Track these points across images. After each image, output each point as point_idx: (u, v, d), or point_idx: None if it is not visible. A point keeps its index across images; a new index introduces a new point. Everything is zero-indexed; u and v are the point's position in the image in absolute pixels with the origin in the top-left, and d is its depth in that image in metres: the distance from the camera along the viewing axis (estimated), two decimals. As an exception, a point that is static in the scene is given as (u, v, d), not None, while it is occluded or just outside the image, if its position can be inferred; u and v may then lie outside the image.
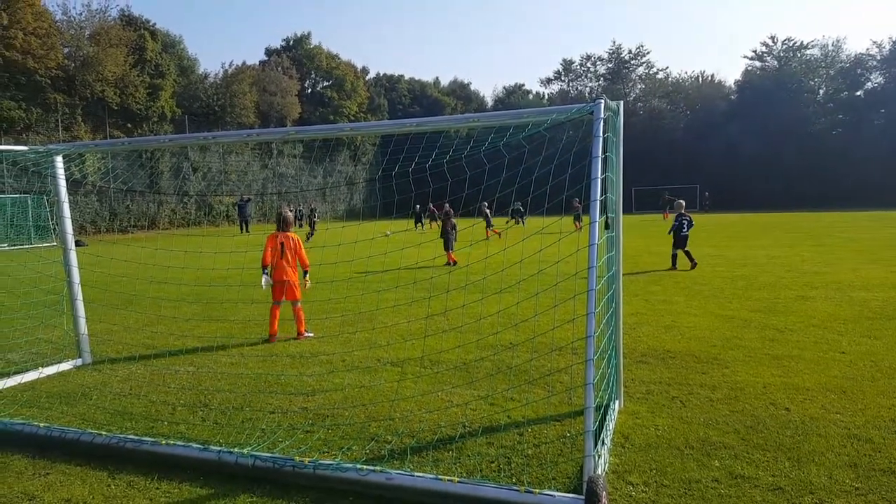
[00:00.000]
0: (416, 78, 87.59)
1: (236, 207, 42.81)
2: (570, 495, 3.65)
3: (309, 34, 71.76)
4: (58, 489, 4.23)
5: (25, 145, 7.74)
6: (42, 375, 7.06)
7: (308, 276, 8.85)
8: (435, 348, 7.51)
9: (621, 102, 5.12)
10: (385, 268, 15.99)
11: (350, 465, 4.12)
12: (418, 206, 31.48)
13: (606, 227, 4.84)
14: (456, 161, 5.86)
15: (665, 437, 4.80)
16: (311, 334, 8.72)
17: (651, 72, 75.72)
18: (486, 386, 6.11)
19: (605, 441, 4.47)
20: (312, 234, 29.25)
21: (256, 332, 8.99)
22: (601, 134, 4.21)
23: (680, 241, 15.02)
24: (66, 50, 42.94)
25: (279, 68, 63.84)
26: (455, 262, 16.60)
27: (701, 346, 7.45)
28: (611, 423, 4.88)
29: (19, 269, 14.41)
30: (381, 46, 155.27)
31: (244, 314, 10.28)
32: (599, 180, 4.05)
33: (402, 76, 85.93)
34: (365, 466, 4.11)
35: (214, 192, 51.73)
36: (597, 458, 3.86)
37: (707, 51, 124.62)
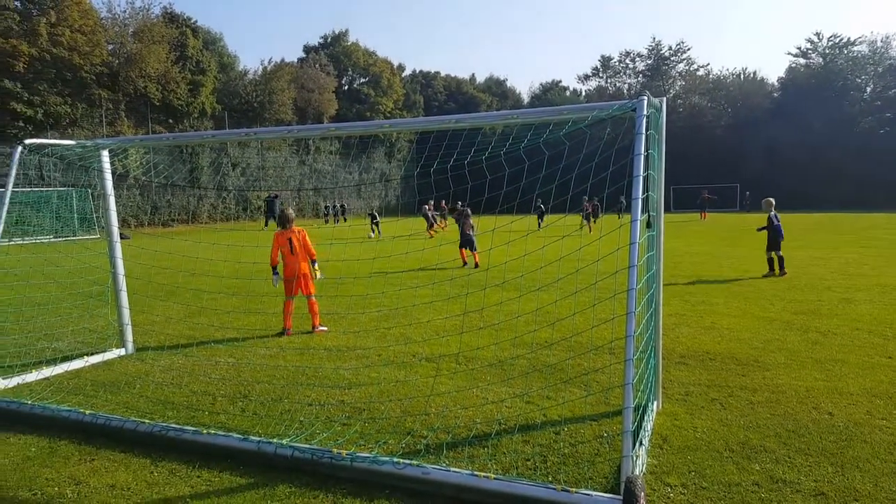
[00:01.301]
0: (452, 75, 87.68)
1: (265, 203, 43.14)
2: (608, 495, 3.63)
3: (346, 31, 72.45)
4: (103, 475, 4.36)
5: (72, 140, 7.97)
6: (87, 364, 7.28)
7: (317, 265, 8.96)
8: (470, 345, 7.52)
9: (664, 99, 5.05)
10: (422, 265, 16.05)
11: (387, 459, 4.16)
12: (426, 206, 29.37)
13: (648, 225, 4.78)
14: (494, 158, 5.84)
15: (704, 440, 4.73)
16: (325, 328, 8.84)
17: (691, 68, 74.33)
18: (521, 384, 6.10)
19: (643, 442, 4.42)
20: (376, 232, 29.40)
21: (294, 326, 9.11)
22: (644, 131, 4.16)
23: (775, 242, 13.21)
24: (110, 47, 44.09)
25: (317, 65, 64.52)
26: (466, 264, 16.05)
27: (741, 348, 7.31)
28: (649, 424, 4.82)
29: (65, 260, 14.86)
30: (417, 43, 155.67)
31: (282, 307, 10.42)
32: (642, 178, 4.00)
33: (437, 73, 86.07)
34: (401, 460, 4.14)
35: (252, 188, 52.57)
36: (635, 458, 3.82)
37: (750, 47, 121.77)
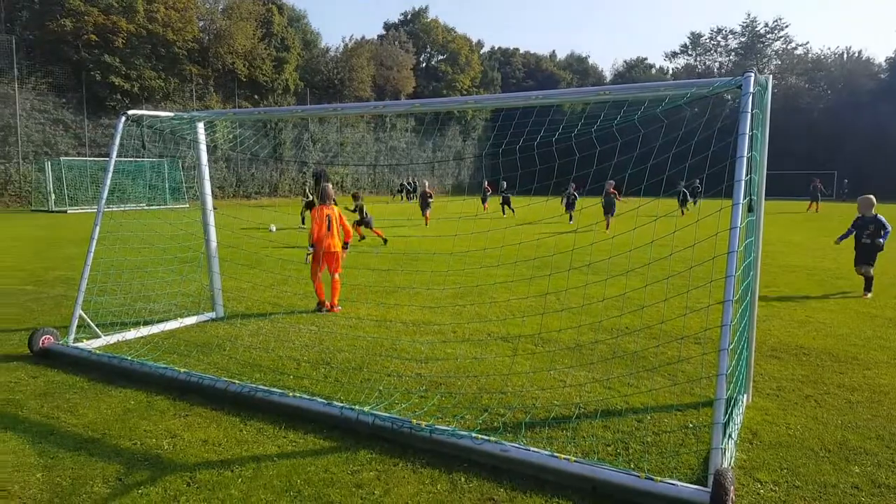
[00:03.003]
0: (532, 52, 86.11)
1: (313, 178, 43.17)
2: (694, 486, 3.51)
3: (426, 8, 72.27)
4: (196, 430, 4.58)
5: (169, 112, 8.33)
6: (182, 325, 7.67)
7: (348, 248, 8.91)
8: (549, 327, 7.44)
9: (769, 77, 4.77)
10: (503, 243, 15.99)
11: (465, 433, 4.17)
12: (406, 182, 26.83)
13: (749, 209, 4.55)
14: (580, 137, 5.69)
15: (797, 437, 4.51)
16: (340, 308, 8.64)
17: (789, 47, 70.11)
18: (602, 369, 5.98)
19: (732, 435, 4.25)
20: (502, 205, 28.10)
21: (372, 298, 9.28)
22: (749, 109, 3.94)
23: (861, 252, 9.79)
24: (201, 23, 45.75)
25: (396, 42, 64.83)
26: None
27: (839, 344, 6.91)
28: (738, 418, 4.64)
29: (160, 227, 15.67)
30: (497, 20, 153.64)
31: (361, 280, 10.64)
32: (745, 159, 3.79)
33: (517, 49, 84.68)
34: (480, 436, 4.14)
35: (330, 163, 53.70)
36: (724, 451, 3.68)
37: (854, 24, 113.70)
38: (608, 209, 20.27)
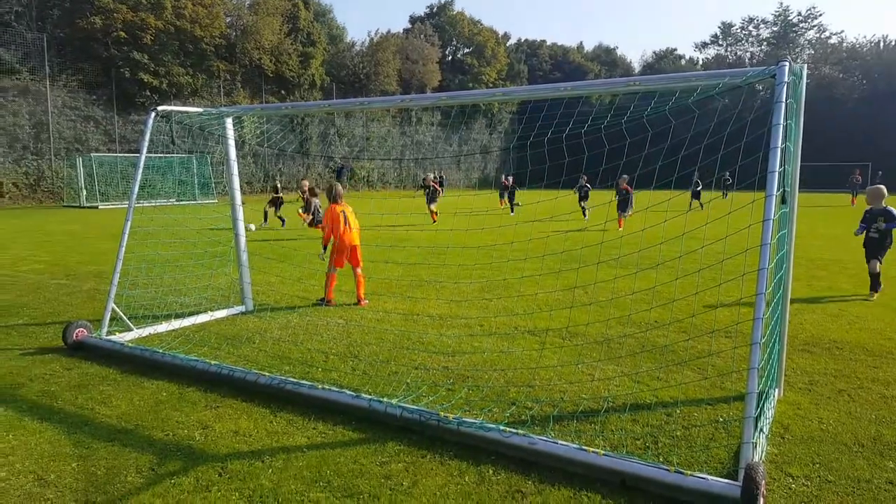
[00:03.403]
0: (559, 43, 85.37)
1: (335, 173, 41.86)
2: (725, 481, 3.47)
3: (452, 0, 72.01)
4: (227, 421, 4.66)
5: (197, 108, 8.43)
6: (212, 318, 7.79)
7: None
8: (576, 321, 7.40)
9: (804, 66, 4.66)
10: (531, 237, 15.93)
11: (493, 426, 4.18)
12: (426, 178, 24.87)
13: (783, 201, 4.47)
14: (609, 129, 5.64)
15: (830, 432, 4.43)
16: (367, 301, 8.70)
17: (823, 36, 68.57)
18: (630, 363, 5.94)
19: (763, 429, 4.19)
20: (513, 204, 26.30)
21: (399, 291, 9.32)
22: (783, 99, 3.86)
23: (869, 246, 9.17)
24: (227, 19, 46.14)
25: (422, 36, 64.77)
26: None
27: (873, 339, 6.76)
28: (770, 412, 4.57)
29: (190, 221, 15.93)
30: (523, 11, 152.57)
31: (387, 273, 10.70)
32: (779, 150, 3.72)
33: (543, 41, 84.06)
34: (508, 429, 4.14)
35: (357, 157, 53.94)
36: (755, 445, 3.63)
37: (891, 12, 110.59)
38: (622, 206, 18.77)
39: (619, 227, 18.44)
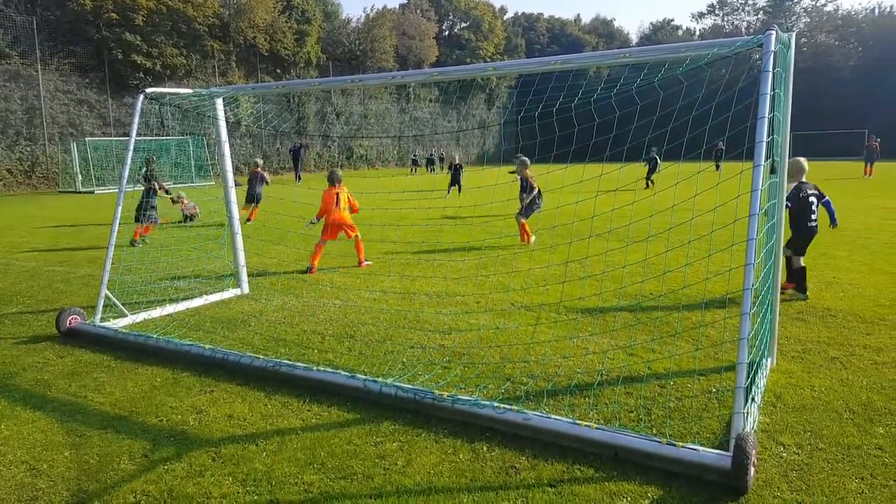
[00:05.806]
0: (556, 16, 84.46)
1: (291, 154, 39.51)
2: (716, 451, 3.50)
3: (448, -26, 70.97)
4: (221, 405, 4.67)
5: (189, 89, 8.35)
6: (206, 302, 7.78)
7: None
8: (571, 295, 7.40)
9: (793, 34, 4.60)
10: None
11: (487, 403, 4.20)
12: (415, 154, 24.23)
13: (772, 171, 4.43)
14: (600, 101, 5.58)
15: (822, 399, 4.46)
16: (370, 262, 9.92)
17: (818, 4, 67.91)
18: (624, 336, 5.96)
19: (756, 399, 4.21)
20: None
21: (396, 270, 9.31)
22: (770, 68, 3.81)
23: (794, 235, 7.47)
24: (220, -2, 45.53)
25: (418, 11, 63.96)
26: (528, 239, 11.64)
27: (865, 305, 6.78)
28: (762, 381, 4.59)
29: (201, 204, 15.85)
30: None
31: (384, 251, 10.69)
32: (767, 120, 3.68)
33: (540, 14, 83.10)
34: (502, 405, 4.16)
35: (355, 136, 53.60)
36: (746, 415, 3.65)
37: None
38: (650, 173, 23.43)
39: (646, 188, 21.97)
